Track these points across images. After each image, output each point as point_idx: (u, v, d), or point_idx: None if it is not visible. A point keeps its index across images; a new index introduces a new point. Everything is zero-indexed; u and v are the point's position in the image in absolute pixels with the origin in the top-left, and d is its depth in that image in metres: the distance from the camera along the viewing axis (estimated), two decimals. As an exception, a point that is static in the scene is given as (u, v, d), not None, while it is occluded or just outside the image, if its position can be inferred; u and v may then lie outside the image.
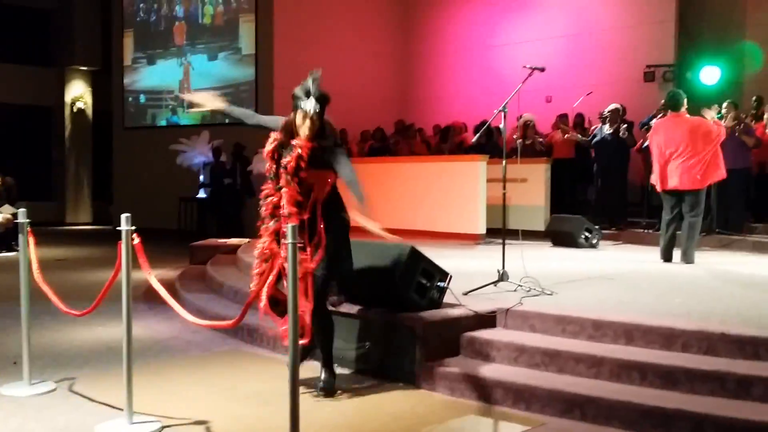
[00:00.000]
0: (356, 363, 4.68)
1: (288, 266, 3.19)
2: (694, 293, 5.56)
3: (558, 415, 3.81)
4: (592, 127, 11.11)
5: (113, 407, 3.96)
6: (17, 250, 4.86)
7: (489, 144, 11.38)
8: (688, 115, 7.35)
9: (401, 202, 10.56)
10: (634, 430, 3.59)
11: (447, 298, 4.81)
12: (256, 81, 14.42)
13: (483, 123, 9.94)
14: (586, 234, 9.10)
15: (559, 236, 9.33)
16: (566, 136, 11.45)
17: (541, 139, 11.61)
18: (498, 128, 11.05)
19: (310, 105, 4.06)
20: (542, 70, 5.76)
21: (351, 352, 4.71)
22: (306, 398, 4.03)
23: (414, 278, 4.60)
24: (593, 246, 9.08)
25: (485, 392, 4.08)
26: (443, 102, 15.48)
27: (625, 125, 10.53)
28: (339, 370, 4.62)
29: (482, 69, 14.92)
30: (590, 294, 5.48)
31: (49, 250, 11.12)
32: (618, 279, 6.31)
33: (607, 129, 10.59)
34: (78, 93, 19.80)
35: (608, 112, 10.68)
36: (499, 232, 5.90)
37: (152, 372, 4.71)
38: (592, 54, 13.46)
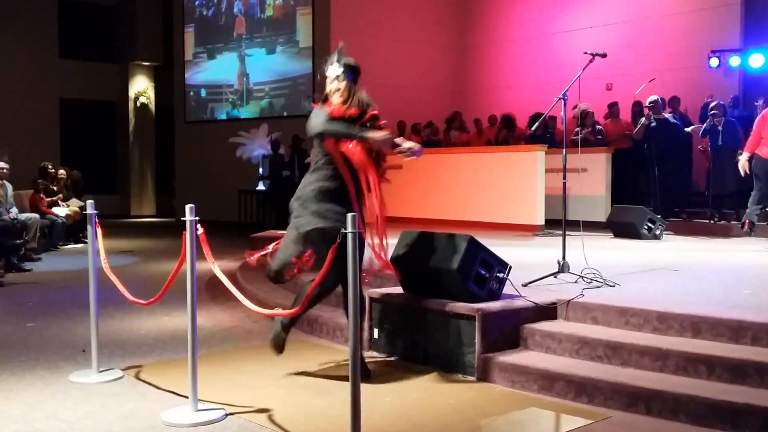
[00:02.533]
0: (414, 353, 4.68)
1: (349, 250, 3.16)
2: (763, 285, 5.39)
3: (622, 409, 3.74)
4: (641, 120, 10.62)
5: (178, 395, 4.05)
6: (85, 242, 4.99)
7: (546, 134, 11.21)
8: None
9: (458, 193, 10.51)
10: (702, 425, 3.50)
11: (506, 289, 4.76)
12: (314, 74, 14.52)
13: (539, 114, 9.75)
14: (649, 225, 8.90)
15: (621, 227, 9.14)
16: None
17: (588, 130, 11.16)
18: (556, 118, 10.91)
19: (334, 69, 4.23)
20: (603, 56, 5.65)
21: (409, 341, 4.72)
22: (367, 388, 4.02)
23: (473, 269, 4.56)
24: (656, 237, 8.88)
25: (546, 385, 4.03)
26: (501, 92, 15.34)
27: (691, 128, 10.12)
28: (396, 360, 4.64)
29: (540, 58, 14.71)
30: (654, 285, 5.35)
31: (114, 242, 11.42)
32: (683, 270, 6.16)
33: (666, 113, 10.22)
34: (141, 88, 20.27)
35: (650, 103, 10.30)
36: (557, 223, 5.82)
37: (216, 360, 4.80)
38: (654, 39, 13.14)
